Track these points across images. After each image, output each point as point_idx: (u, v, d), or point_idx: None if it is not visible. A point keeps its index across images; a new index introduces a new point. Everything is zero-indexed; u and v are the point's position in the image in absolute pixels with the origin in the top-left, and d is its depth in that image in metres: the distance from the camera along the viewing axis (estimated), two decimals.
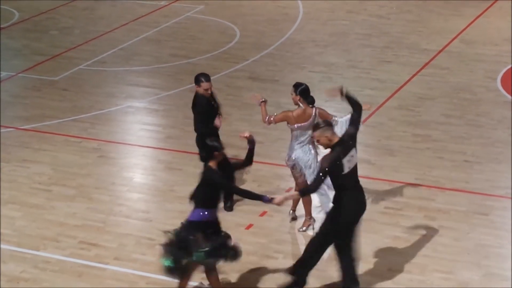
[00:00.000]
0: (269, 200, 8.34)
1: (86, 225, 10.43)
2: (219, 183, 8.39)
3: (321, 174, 8.19)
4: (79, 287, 9.17)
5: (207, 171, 8.47)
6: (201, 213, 8.36)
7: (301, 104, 9.76)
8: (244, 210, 10.60)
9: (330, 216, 8.53)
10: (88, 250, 9.85)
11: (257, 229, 10.20)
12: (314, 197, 9.94)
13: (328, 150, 8.39)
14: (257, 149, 8.71)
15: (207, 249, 8.25)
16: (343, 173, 8.26)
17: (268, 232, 10.12)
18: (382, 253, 9.60)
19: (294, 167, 9.94)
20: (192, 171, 11.75)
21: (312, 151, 9.89)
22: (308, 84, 13.38)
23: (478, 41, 16.83)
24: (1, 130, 13.26)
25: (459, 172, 11.53)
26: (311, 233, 9.88)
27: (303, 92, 9.76)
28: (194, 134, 12.88)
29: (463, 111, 13.58)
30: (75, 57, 16.53)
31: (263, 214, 10.50)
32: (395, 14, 18.74)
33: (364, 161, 11.78)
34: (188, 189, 11.20)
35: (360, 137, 12.42)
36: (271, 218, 10.40)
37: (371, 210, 10.45)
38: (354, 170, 8.41)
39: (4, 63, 16.36)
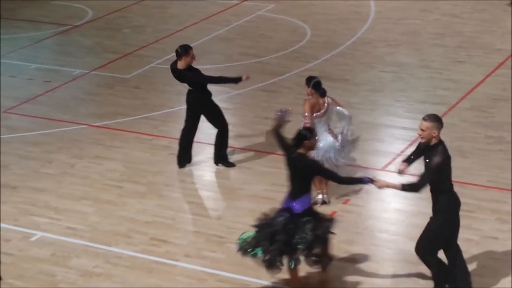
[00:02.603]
0: (370, 181, 8.32)
1: (156, 221, 10.54)
2: (322, 171, 8.39)
3: (432, 171, 8.07)
4: (150, 282, 9.27)
5: (303, 160, 8.41)
6: (304, 201, 8.43)
7: (312, 96, 10.35)
8: None
9: (440, 223, 8.39)
10: (158, 246, 9.95)
11: None
12: None
13: None
14: None
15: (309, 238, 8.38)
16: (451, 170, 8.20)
17: (338, 232, 10.05)
18: None
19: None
20: (261, 169, 11.79)
21: (329, 136, 10.40)
22: (379, 84, 13.34)
23: None
24: (75, 127, 13.50)
25: None
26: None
27: (315, 85, 10.35)
28: (264, 133, 12.95)
29: None
30: (146, 55, 16.72)
31: (332, 214, 10.45)
32: (468, 13, 18.45)
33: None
34: (257, 187, 11.33)
35: None
36: (341, 217, 10.33)
37: None
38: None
39: (78, 61, 16.66)
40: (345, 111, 10.55)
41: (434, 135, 8.13)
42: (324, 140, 10.45)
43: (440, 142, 8.20)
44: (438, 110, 13.39)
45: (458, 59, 15.80)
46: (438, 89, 14.40)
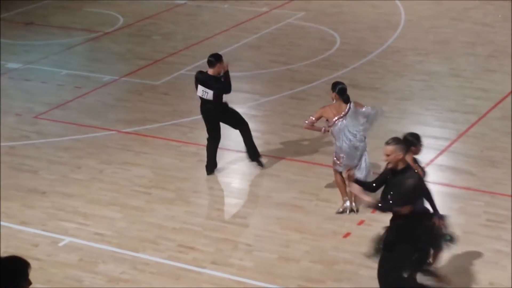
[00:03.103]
0: (442, 217, 8.35)
1: (184, 228, 10.54)
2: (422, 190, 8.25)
3: (408, 195, 7.88)
4: None
5: (415, 175, 8.13)
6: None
7: (336, 101, 10.50)
8: (342, 218, 10.54)
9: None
10: (185, 253, 9.95)
11: (355, 238, 10.10)
12: None
13: None
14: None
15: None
16: None
17: (364, 242, 9.99)
18: (483, 267, 9.36)
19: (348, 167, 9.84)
20: (289, 177, 11.76)
21: (361, 144, 10.47)
22: (408, 92, 13.04)
23: None
24: (104, 133, 13.56)
25: None
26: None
27: (340, 91, 10.47)
28: (292, 140, 12.93)
29: None
30: (176, 62, 16.77)
31: (361, 223, 10.40)
32: (500, 22, 18.31)
33: (465, 172, 11.56)
34: (285, 195, 11.29)
35: (461, 147, 12.37)
36: (369, 227, 10.27)
37: (472, 223, 10.23)
38: None
39: (108, 67, 16.75)
40: (370, 109, 10.63)
41: (399, 157, 7.82)
42: (344, 141, 10.50)
43: (409, 166, 7.94)
44: (468, 119, 13.35)
45: (489, 68, 15.67)
46: (468, 98, 14.29)
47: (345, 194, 10.61)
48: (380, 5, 19.91)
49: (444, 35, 17.60)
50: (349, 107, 10.46)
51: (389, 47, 17.09)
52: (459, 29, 17.99)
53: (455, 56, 16.39)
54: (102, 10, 20.61)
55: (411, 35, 17.75)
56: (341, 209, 10.63)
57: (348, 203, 10.64)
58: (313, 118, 10.55)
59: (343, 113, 10.43)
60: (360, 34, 17.99)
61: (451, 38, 17.40)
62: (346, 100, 10.51)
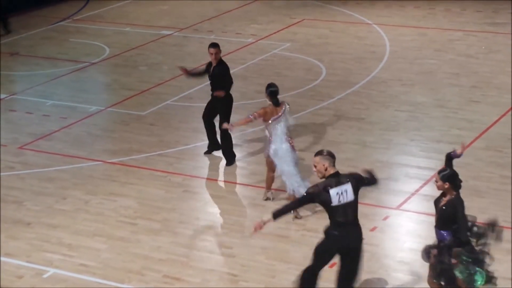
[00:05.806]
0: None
1: (170, 259, 10.52)
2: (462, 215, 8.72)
3: (303, 197, 8.63)
4: None
5: (458, 201, 8.68)
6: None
7: (268, 102, 11.40)
8: None
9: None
10: (171, 284, 9.92)
11: None
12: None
13: None
14: None
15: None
16: (331, 204, 8.39)
17: None
18: None
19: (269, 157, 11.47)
20: (275, 207, 11.72)
21: (287, 145, 11.35)
22: (394, 123, 12.92)
23: None
24: (90, 163, 13.54)
25: None
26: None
27: (270, 93, 11.39)
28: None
29: None
30: (162, 93, 16.81)
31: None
32: (483, 54, 18.48)
33: None
34: (271, 225, 11.23)
35: None
36: None
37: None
38: (347, 207, 8.47)
39: (95, 97, 16.77)
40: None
41: (325, 167, 8.44)
42: (280, 144, 11.33)
43: (333, 175, 8.46)
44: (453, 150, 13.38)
45: (473, 99, 15.79)
46: (453, 128, 14.38)
47: (269, 188, 11.86)
48: (365, 36, 20.07)
49: (428, 66, 17.74)
50: (284, 109, 11.34)
51: (374, 77, 17.20)
52: (443, 60, 18.14)
53: (440, 87, 16.51)
54: (88, 41, 20.66)
55: (396, 66, 17.88)
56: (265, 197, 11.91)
57: (269, 194, 11.94)
58: (256, 114, 11.34)
59: (279, 114, 11.28)
60: (346, 65, 18.11)
61: (436, 69, 17.54)
62: (276, 103, 11.31)
